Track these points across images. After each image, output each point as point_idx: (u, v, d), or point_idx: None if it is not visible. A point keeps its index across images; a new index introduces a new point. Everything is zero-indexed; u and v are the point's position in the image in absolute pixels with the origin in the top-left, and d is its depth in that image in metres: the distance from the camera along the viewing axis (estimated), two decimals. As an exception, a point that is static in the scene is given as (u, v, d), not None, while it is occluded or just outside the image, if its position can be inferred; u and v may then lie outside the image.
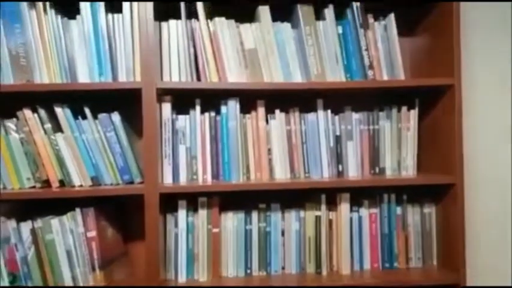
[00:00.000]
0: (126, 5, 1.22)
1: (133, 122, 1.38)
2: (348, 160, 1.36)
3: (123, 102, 1.37)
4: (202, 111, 1.31)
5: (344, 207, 1.32)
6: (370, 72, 1.32)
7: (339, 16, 1.32)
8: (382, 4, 1.39)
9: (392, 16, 1.33)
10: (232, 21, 1.29)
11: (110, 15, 1.23)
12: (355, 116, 1.36)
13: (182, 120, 1.30)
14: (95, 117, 1.24)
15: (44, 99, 1.25)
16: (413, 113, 1.36)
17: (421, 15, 1.43)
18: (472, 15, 1.55)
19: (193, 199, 1.30)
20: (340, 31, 1.32)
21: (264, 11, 1.29)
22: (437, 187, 1.35)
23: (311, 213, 1.33)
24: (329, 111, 1.35)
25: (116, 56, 1.23)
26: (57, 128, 1.23)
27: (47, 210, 1.29)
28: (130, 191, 1.19)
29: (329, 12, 1.31)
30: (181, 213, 1.28)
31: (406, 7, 1.44)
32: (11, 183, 1.22)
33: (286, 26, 1.32)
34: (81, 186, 1.23)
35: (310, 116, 1.34)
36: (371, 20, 1.33)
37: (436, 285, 1.26)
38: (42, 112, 1.21)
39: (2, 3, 1.19)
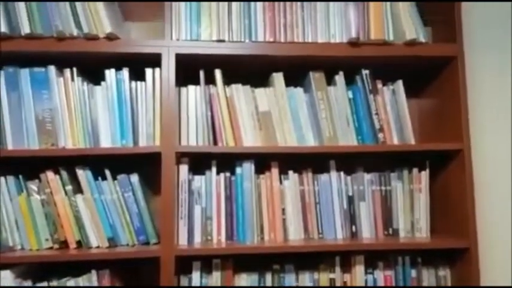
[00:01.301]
0: (149, 73, 1.29)
1: (150, 180, 1.41)
2: (361, 221, 1.37)
3: (142, 162, 1.41)
4: (218, 172, 1.34)
5: (358, 269, 1.32)
6: (380, 135, 1.36)
7: (349, 82, 1.39)
8: (390, 71, 1.45)
9: (400, 82, 1.39)
10: (248, 87, 1.36)
11: (133, 83, 1.30)
12: (367, 176, 1.39)
13: (198, 180, 1.33)
14: (114, 177, 1.28)
15: (66, 161, 1.30)
16: (424, 175, 1.39)
17: (429, 79, 1.50)
18: (480, 78, 1.62)
19: (207, 259, 1.30)
20: (351, 96, 1.38)
21: (278, 78, 1.36)
22: (452, 250, 1.34)
23: (325, 275, 1.32)
24: (342, 172, 1.38)
25: (137, 121, 1.28)
26: (78, 189, 1.26)
27: (63, 268, 1.30)
28: (146, 253, 1.21)
29: (340, 78, 1.38)
30: (195, 275, 1.28)
31: (413, 71, 1.50)
32: (29, 244, 1.24)
33: (299, 90, 1.38)
34: (98, 247, 1.25)
35: (323, 177, 1.37)
36: (380, 85, 1.39)
37: None
38: (64, 174, 1.25)
39: (32, 71, 1.26)
